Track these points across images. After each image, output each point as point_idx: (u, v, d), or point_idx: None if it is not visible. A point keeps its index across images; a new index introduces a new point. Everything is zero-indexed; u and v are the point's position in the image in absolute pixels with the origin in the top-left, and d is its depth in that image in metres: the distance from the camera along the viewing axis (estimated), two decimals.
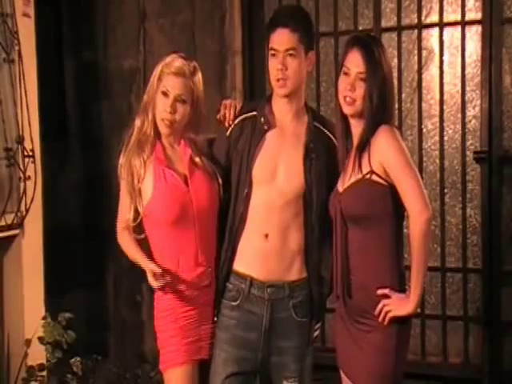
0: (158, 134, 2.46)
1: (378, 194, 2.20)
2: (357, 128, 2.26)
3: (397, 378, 2.28)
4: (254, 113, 2.46)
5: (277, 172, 2.43)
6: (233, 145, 2.46)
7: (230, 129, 2.48)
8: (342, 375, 2.38)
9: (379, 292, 2.19)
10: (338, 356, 2.37)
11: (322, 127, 2.45)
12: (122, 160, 2.49)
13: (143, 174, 2.44)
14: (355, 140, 2.27)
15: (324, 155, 2.40)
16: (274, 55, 2.32)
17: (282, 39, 2.29)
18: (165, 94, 2.37)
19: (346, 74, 2.25)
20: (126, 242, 2.52)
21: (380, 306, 2.20)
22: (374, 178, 2.17)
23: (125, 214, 2.52)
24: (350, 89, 2.23)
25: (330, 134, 2.45)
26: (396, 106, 3.69)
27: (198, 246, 2.46)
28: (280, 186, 2.42)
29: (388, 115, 2.27)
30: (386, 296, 2.22)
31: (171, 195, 2.44)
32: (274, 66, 2.33)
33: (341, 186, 2.29)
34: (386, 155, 2.17)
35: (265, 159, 2.45)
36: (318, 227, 2.43)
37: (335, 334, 2.42)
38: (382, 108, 2.23)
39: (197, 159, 2.50)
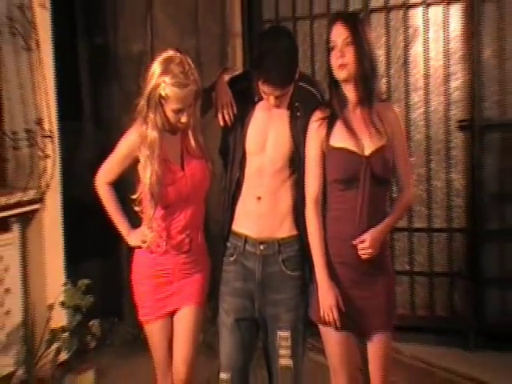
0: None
1: (392, 160, 2.37)
2: (352, 92, 2.32)
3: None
4: (245, 83, 2.51)
5: (266, 143, 2.50)
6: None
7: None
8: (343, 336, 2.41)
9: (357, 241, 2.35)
10: (346, 317, 2.38)
11: (307, 85, 2.50)
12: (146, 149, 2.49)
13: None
14: (354, 104, 2.34)
15: (310, 111, 2.44)
16: None
17: None
18: (178, 111, 2.42)
19: (333, 48, 2.29)
20: (106, 196, 2.64)
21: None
22: (390, 145, 2.32)
23: (112, 169, 2.61)
24: (341, 55, 2.27)
25: (315, 91, 2.50)
26: (384, 80, 3.92)
27: (188, 219, 2.59)
28: (270, 155, 2.49)
29: (378, 84, 2.36)
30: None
31: (168, 185, 2.54)
32: None
33: (357, 148, 2.33)
34: (398, 136, 2.35)
35: (255, 132, 2.51)
36: None
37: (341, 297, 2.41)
38: (372, 73, 2.29)
39: (192, 143, 2.57)
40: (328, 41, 2.32)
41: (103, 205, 2.66)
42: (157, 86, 2.39)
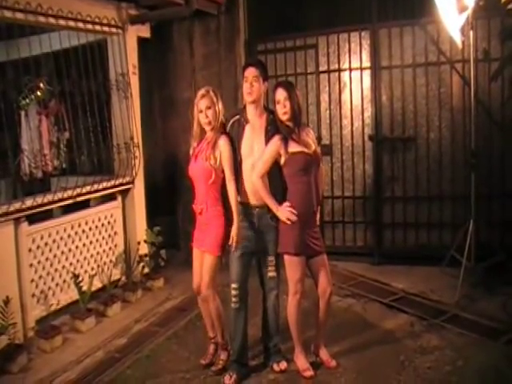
0: (203, 132, 2.99)
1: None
2: (291, 124, 2.85)
3: None
4: (238, 116, 2.98)
5: (253, 149, 2.92)
6: (230, 133, 2.96)
7: (229, 126, 2.99)
8: (314, 260, 2.93)
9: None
10: (301, 248, 2.84)
11: (273, 116, 2.94)
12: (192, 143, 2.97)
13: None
14: (293, 129, 2.82)
15: (274, 131, 2.89)
16: (245, 80, 2.90)
17: (250, 71, 2.90)
18: (201, 111, 2.92)
19: (278, 102, 2.85)
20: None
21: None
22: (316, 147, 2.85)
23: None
24: (284, 107, 2.82)
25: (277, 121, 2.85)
26: (328, 111, 5.06)
27: (198, 195, 3.03)
28: (256, 156, 2.92)
29: (302, 119, 2.89)
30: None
31: (190, 168, 3.03)
32: (245, 86, 2.91)
33: (305, 149, 2.79)
34: (315, 143, 2.88)
35: (246, 143, 2.92)
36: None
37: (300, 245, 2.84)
38: (299, 114, 2.84)
39: (207, 153, 2.93)
40: (274, 99, 2.86)
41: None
42: (194, 104, 2.96)
